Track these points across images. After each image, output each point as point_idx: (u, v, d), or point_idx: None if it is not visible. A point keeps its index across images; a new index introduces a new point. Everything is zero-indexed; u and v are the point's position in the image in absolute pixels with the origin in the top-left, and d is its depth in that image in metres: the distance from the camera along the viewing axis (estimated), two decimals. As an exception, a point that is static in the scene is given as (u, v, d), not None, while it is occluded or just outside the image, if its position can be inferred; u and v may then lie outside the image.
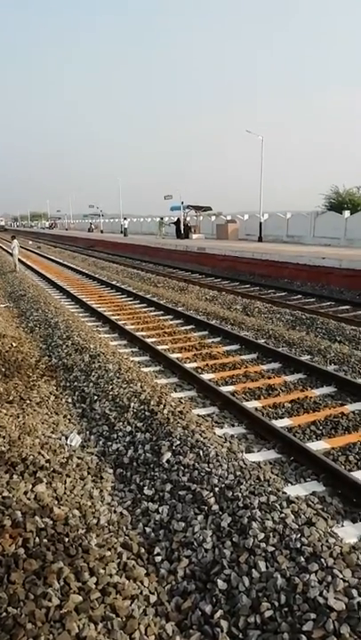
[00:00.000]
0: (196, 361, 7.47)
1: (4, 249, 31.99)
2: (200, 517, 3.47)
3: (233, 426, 5.16)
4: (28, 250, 33.22)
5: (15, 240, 19.76)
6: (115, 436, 5.02)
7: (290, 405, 5.70)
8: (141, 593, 2.91)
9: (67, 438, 4.98)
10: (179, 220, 34.09)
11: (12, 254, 20.08)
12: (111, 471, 4.45)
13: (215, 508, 3.51)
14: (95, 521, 3.58)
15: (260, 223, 28.63)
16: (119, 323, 9.84)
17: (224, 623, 2.65)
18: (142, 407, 5.35)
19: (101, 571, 2.96)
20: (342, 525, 3.47)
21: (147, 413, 5.20)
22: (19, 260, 20.25)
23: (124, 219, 46.99)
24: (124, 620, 2.66)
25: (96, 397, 5.98)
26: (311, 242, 25.36)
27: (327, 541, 3.01)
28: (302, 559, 2.87)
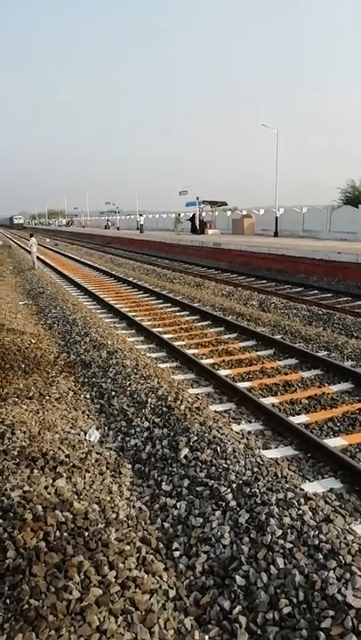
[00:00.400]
0: (212, 357, 7.48)
1: (22, 247, 32.37)
2: (218, 513, 3.49)
3: (250, 422, 5.17)
4: (45, 247, 33.53)
5: (33, 238, 19.97)
6: (133, 431, 5.07)
7: (307, 402, 5.67)
8: (160, 587, 2.94)
9: (85, 434, 5.04)
10: (194, 215, 33.99)
11: (30, 252, 20.31)
12: (130, 466, 4.50)
13: (233, 504, 3.53)
14: (114, 515, 3.63)
15: (276, 218, 28.40)
16: (136, 319, 9.89)
17: (243, 619, 2.67)
18: (160, 403, 5.39)
19: (121, 565, 3.01)
20: (360, 522, 3.45)
21: (164, 409, 5.24)
22: (37, 257, 20.47)
23: (140, 215, 47.03)
24: (143, 613, 2.70)
25: (114, 393, 6.03)
26: (327, 236, 25.08)
27: (345, 538, 3.00)
28: (320, 556, 2.87)
